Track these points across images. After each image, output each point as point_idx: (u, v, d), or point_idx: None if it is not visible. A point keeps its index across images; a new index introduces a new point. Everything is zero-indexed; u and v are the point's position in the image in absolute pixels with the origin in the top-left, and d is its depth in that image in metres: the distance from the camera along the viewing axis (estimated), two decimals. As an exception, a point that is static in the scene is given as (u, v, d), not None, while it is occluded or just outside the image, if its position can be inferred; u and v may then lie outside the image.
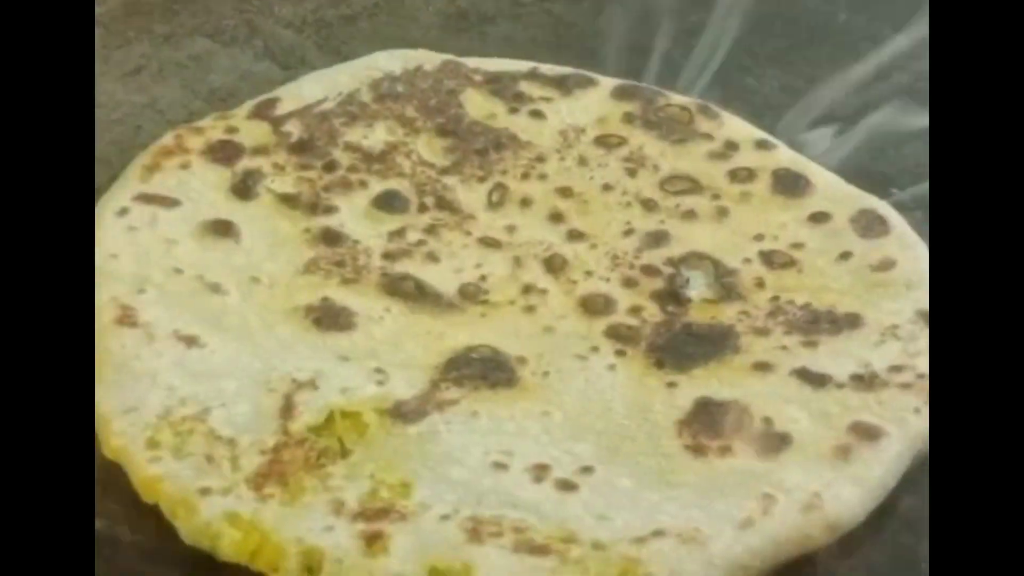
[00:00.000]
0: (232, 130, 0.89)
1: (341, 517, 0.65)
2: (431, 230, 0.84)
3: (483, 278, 0.81)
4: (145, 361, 0.72)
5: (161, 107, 0.94)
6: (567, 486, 0.67)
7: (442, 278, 0.81)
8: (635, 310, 0.79)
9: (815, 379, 0.73)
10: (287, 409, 0.70)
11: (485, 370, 0.74)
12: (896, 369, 0.74)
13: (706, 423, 0.71)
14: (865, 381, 0.73)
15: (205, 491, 0.66)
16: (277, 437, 0.69)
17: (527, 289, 0.80)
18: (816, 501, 0.67)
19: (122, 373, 0.71)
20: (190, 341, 0.74)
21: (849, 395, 0.73)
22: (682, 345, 0.77)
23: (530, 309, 0.79)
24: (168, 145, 0.87)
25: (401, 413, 0.71)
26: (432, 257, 0.82)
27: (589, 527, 0.65)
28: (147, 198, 0.83)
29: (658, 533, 0.64)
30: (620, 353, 0.76)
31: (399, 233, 0.83)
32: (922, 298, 0.79)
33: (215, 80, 0.97)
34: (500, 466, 0.68)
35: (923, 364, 0.74)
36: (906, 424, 0.71)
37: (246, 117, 0.90)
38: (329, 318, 0.77)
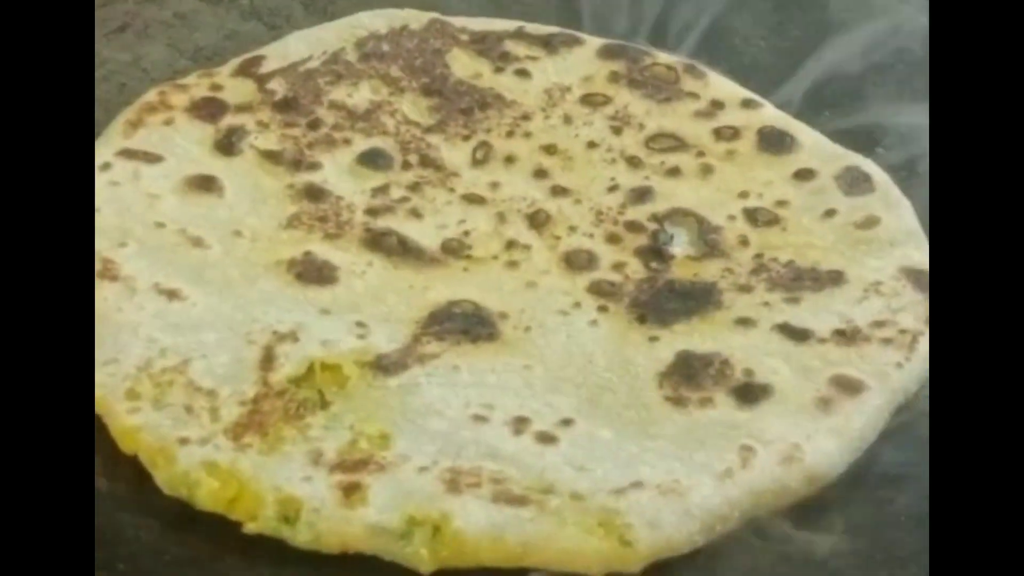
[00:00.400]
0: (216, 87, 0.89)
1: (319, 467, 0.65)
2: (415, 187, 0.84)
3: (466, 234, 0.81)
4: (126, 313, 0.72)
5: (145, 65, 0.93)
6: (547, 438, 0.67)
7: (425, 233, 0.81)
8: (618, 266, 0.79)
9: (797, 334, 0.74)
10: (267, 360, 0.70)
11: (467, 325, 0.74)
12: (878, 324, 0.74)
13: (687, 375, 0.71)
14: (847, 336, 0.73)
15: (184, 441, 0.66)
16: (257, 388, 0.69)
17: (510, 245, 0.80)
18: (796, 453, 0.67)
19: (103, 325, 0.71)
20: (171, 294, 0.74)
21: (831, 349, 0.73)
22: (664, 301, 0.77)
23: (513, 264, 0.79)
24: (151, 102, 0.87)
25: (382, 366, 0.71)
26: (415, 213, 0.82)
27: (568, 478, 0.65)
28: (129, 153, 0.82)
29: (637, 484, 0.64)
30: (602, 309, 0.76)
31: (382, 190, 0.83)
32: (905, 255, 0.79)
33: (200, 39, 0.96)
34: (480, 418, 0.68)
35: (905, 320, 0.75)
36: (887, 378, 0.71)
37: (231, 75, 0.90)
38: (311, 272, 0.77)
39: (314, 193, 0.82)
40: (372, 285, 0.77)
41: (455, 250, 0.80)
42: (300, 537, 0.63)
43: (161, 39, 0.95)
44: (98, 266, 0.74)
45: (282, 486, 0.64)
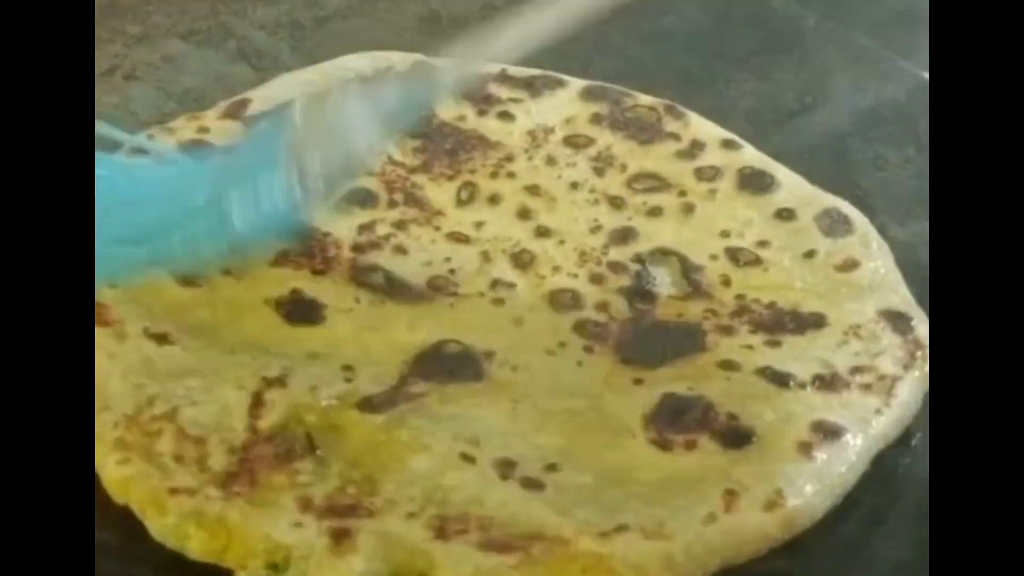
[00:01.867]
0: (203, 130, 0.89)
1: (308, 514, 0.65)
2: (400, 225, 0.84)
3: (452, 271, 0.82)
4: (116, 360, 0.72)
5: (134, 108, 0.93)
6: (533, 484, 0.68)
7: (411, 270, 0.81)
8: (602, 306, 0.80)
9: (779, 378, 0.74)
10: (255, 407, 0.71)
11: (453, 365, 0.75)
12: (858, 370, 0.75)
13: (671, 418, 0.72)
14: (827, 381, 0.74)
15: (173, 491, 0.66)
16: (246, 435, 0.69)
17: (495, 283, 0.81)
18: (778, 499, 0.67)
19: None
20: (160, 339, 0.74)
21: (812, 395, 0.73)
22: (650, 343, 0.77)
23: (499, 301, 0.80)
24: None
25: (369, 406, 0.71)
26: (401, 250, 0.83)
27: (553, 523, 0.65)
28: None
29: (622, 528, 0.65)
30: (588, 349, 0.77)
31: (368, 227, 0.84)
32: (883, 298, 0.80)
33: (188, 81, 0.97)
34: (467, 458, 0.68)
35: (884, 364, 0.75)
36: (867, 424, 0.72)
37: (217, 118, 0.91)
38: (299, 311, 0.77)
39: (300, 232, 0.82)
40: (359, 322, 0.77)
41: (441, 287, 0.80)
42: None
43: (149, 82, 0.96)
44: None
45: (271, 534, 0.64)
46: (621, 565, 0.63)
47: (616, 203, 0.87)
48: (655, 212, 0.87)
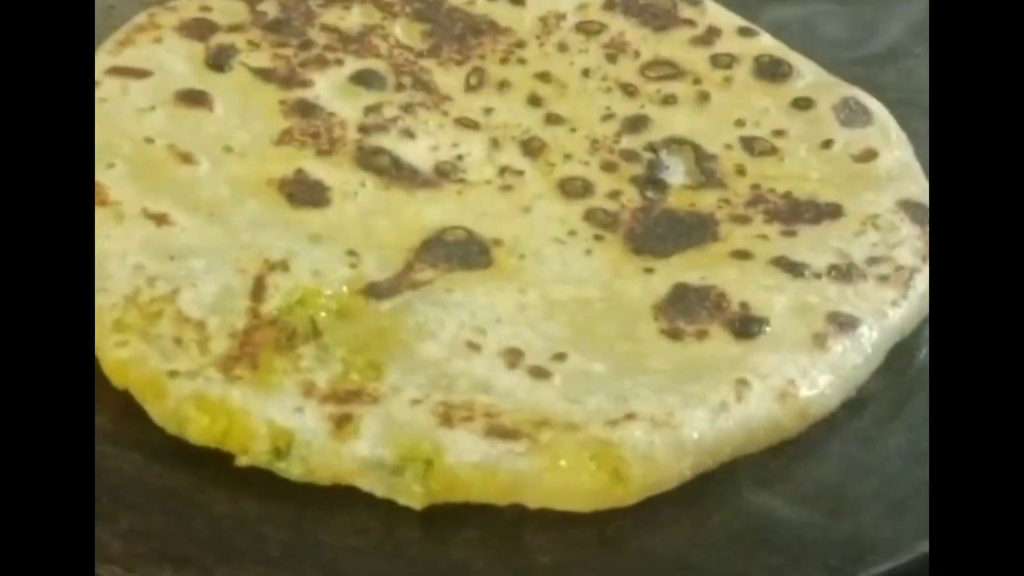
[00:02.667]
0: (206, 8, 0.87)
1: (311, 398, 0.64)
2: (408, 108, 0.82)
3: (460, 157, 0.80)
4: (114, 240, 0.71)
5: (136, -14, 0.91)
6: (540, 373, 0.67)
7: (418, 154, 0.80)
8: (614, 194, 0.78)
9: (793, 268, 0.73)
10: (258, 291, 0.69)
11: (460, 252, 0.73)
12: (874, 261, 0.74)
13: (682, 308, 0.71)
14: (843, 272, 0.73)
15: (173, 374, 0.65)
16: (247, 319, 0.68)
17: (504, 170, 0.79)
18: (790, 389, 0.67)
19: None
20: (160, 219, 0.72)
21: (827, 285, 0.72)
22: (661, 231, 0.76)
23: (507, 188, 0.78)
24: (141, 23, 0.85)
25: (374, 292, 0.70)
26: (408, 133, 0.81)
27: (562, 411, 0.64)
28: (118, 71, 0.81)
29: (631, 416, 0.64)
30: (598, 238, 0.75)
31: (375, 108, 0.82)
32: (902, 188, 0.78)
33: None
34: (473, 347, 0.67)
35: (902, 255, 0.74)
36: (883, 316, 0.71)
37: None
38: (303, 193, 0.76)
39: (306, 109, 0.81)
40: (364, 207, 0.76)
41: (448, 172, 0.79)
42: (292, 470, 0.63)
43: (150, -40, 0.93)
44: None
45: (274, 419, 0.63)
46: (630, 453, 0.63)
47: (629, 91, 0.85)
48: (669, 100, 0.85)
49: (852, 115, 0.83)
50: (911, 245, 0.75)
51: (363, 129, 0.80)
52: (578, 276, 0.73)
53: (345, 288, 0.70)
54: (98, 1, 0.86)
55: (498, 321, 0.69)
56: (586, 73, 0.87)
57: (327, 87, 0.83)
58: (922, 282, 0.73)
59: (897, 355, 0.71)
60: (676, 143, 0.82)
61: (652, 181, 0.79)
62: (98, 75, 0.81)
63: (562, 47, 0.88)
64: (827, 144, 0.81)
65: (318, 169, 0.77)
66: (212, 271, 0.70)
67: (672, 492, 0.64)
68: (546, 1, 0.92)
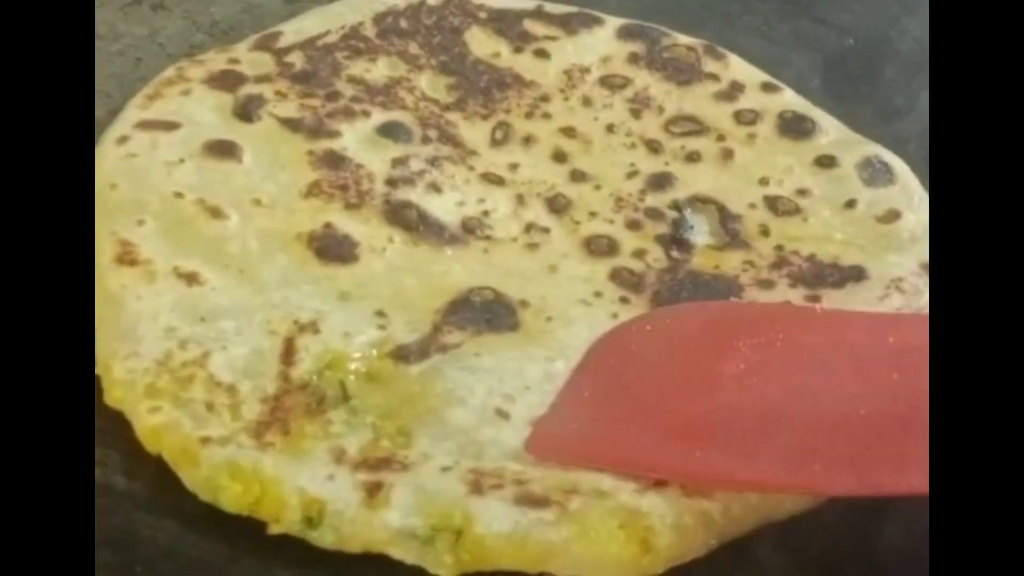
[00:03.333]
0: (234, 61, 0.88)
1: (342, 465, 0.65)
2: (434, 162, 0.83)
3: (486, 213, 0.81)
4: (145, 301, 0.71)
5: (161, 40, 0.92)
6: None
7: (445, 209, 0.80)
8: (639, 253, 0.79)
9: None
10: (288, 354, 0.70)
11: (488, 314, 0.74)
12: None
13: None
14: None
15: (206, 441, 0.65)
16: (278, 383, 0.68)
17: (529, 227, 0.80)
18: None
19: (122, 314, 0.70)
20: (191, 279, 0.73)
21: None
22: (686, 296, 0.76)
23: (533, 247, 0.79)
24: (169, 77, 0.86)
25: (403, 355, 0.70)
26: (435, 187, 0.81)
27: (591, 477, 0.64)
28: (147, 124, 0.82)
29: (660, 484, 0.64)
30: (624, 300, 0.76)
31: (402, 161, 0.82)
32: (925, 251, 0.79)
33: (217, 12, 0.95)
34: (502, 414, 0.68)
35: (926, 320, 0.74)
36: None
37: (248, 49, 0.89)
38: (331, 248, 0.76)
39: (334, 161, 0.81)
40: (392, 264, 0.76)
41: (474, 229, 0.79)
42: (324, 540, 0.63)
43: (177, 12, 0.94)
44: (116, 249, 0.73)
45: (305, 487, 0.64)
46: (659, 523, 0.63)
47: (653, 147, 0.86)
48: (693, 157, 0.85)
49: (875, 174, 0.84)
50: None
51: (391, 182, 0.81)
52: None
53: (375, 351, 0.70)
54: (126, 54, 0.88)
55: (527, 388, 0.70)
56: (610, 128, 0.87)
57: (354, 138, 0.83)
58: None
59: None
60: (700, 202, 0.82)
61: (677, 240, 0.80)
62: (128, 129, 0.81)
63: (587, 101, 0.89)
64: (850, 204, 0.82)
65: (346, 223, 0.77)
66: (243, 333, 0.70)
67: (699, 561, 0.64)
68: (571, 54, 0.92)
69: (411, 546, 0.63)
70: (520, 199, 0.82)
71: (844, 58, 0.98)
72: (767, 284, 0.77)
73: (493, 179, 0.83)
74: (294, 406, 0.67)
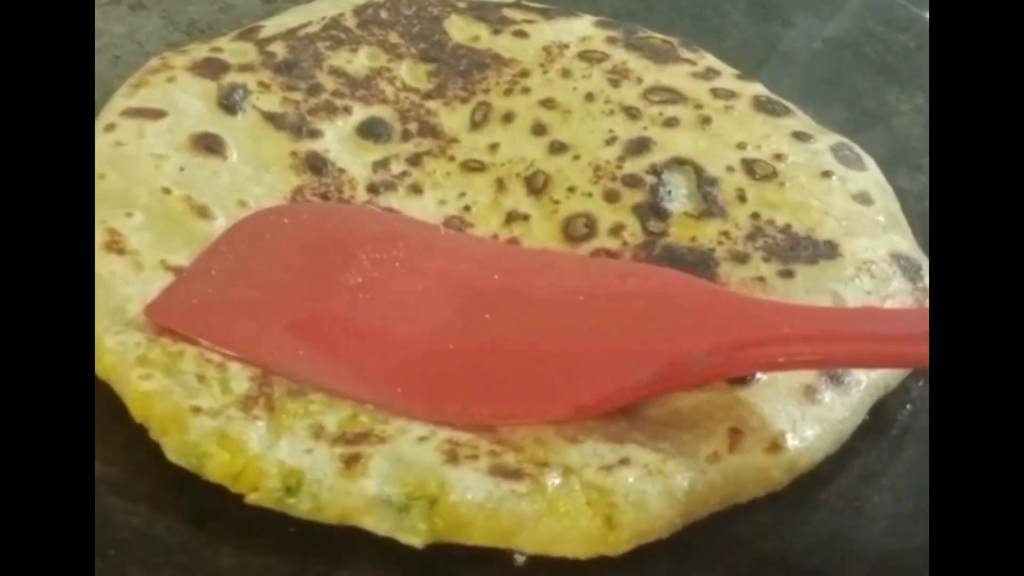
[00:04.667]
0: (217, 50, 0.89)
1: (321, 440, 0.66)
2: (415, 160, 0.84)
3: (466, 208, 0.82)
4: (134, 287, 0.73)
5: (140, 38, 0.92)
6: None
7: (427, 212, 0.81)
8: (616, 230, 0.79)
9: None
10: None
11: None
12: None
13: None
14: None
15: (196, 410, 0.67)
16: None
17: (510, 218, 0.81)
18: (780, 440, 0.68)
19: (111, 297, 0.72)
20: (178, 272, 0.74)
21: None
22: None
23: (514, 241, 0.80)
24: (154, 66, 0.87)
25: None
26: (416, 189, 0.83)
27: (559, 449, 0.66)
28: (133, 112, 0.83)
29: (625, 462, 0.66)
30: None
31: (383, 164, 0.84)
32: (895, 241, 0.80)
33: (195, 11, 0.96)
34: None
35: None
36: (871, 370, 0.72)
37: (230, 40, 0.91)
38: None
39: (316, 165, 0.82)
40: None
41: (456, 229, 0.80)
42: (301, 506, 0.64)
43: (155, 11, 0.95)
44: (105, 237, 0.75)
45: (285, 460, 0.65)
46: (623, 501, 0.64)
47: (632, 113, 0.87)
48: (671, 123, 0.86)
49: (849, 157, 0.85)
50: (901, 300, 0.76)
51: (372, 188, 0.82)
52: None
53: None
54: (104, 52, 0.89)
55: None
56: (589, 97, 0.88)
57: (336, 139, 0.85)
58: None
59: (880, 412, 0.73)
60: (678, 163, 0.83)
61: (654, 209, 0.80)
62: (114, 117, 0.83)
63: (565, 73, 0.90)
64: (826, 175, 0.83)
65: None
66: None
67: (663, 543, 0.65)
68: (549, 32, 0.93)
69: (386, 514, 0.64)
70: (500, 184, 0.83)
71: (813, 62, 0.98)
72: (742, 257, 0.77)
73: (473, 166, 0.84)
74: (278, 384, 0.69)
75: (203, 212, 0.78)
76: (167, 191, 0.78)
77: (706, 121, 0.86)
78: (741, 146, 0.84)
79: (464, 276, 0.75)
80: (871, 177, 0.84)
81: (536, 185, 0.82)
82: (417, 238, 0.78)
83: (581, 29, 0.94)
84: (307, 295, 0.73)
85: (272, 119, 0.85)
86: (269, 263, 0.75)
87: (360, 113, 0.86)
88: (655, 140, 0.85)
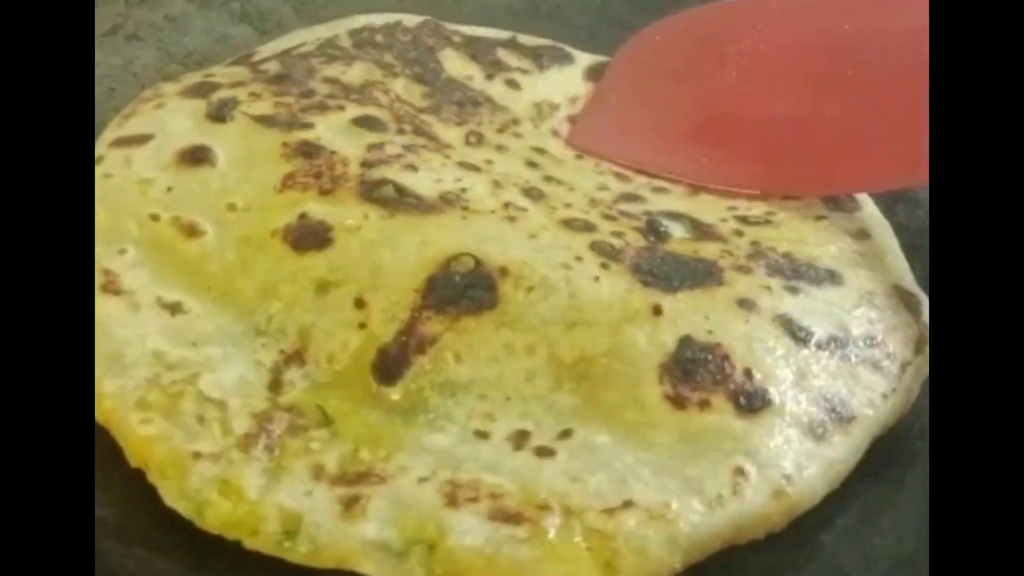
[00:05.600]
0: (209, 75, 0.89)
1: (321, 481, 0.65)
2: (410, 148, 0.83)
3: (464, 190, 0.80)
4: (131, 329, 0.72)
5: (135, 69, 0.93)
6: (546, 452, 0.67)
7: (422, 184, 0.79)
8: (618, 233, 0.78)
9: (797, 332, 0.73)
10: (275, 385, 0.71)
11: (466, 288, 0.72)
12: (870, 342, 0.74)
13: (688, 370, 0.70)
14: (842, 344, 0.73)
15: (197, 455, 0.66)
16: (267, 404, 0.69)
17: (507, 205, 0.80)
18: (785, 485, 0.67)
19: (109, 341, 0.71)
20: (174, 308, 0.73)
21: (828, 360, 0.73)
22: (667, 269, 0.76)
23: (511, 219, 0.78)
24: (145, 96, 0.87)
25: (383, 368, 0.70)
26: (411, 167, 0.81)
27: (561, 490, 0.65)
28: (121, 142, 0.83)
29: (628, 504, 0.65)
30: (604, 266, 0.75)
31: (377, 146, 0.82)
32: (896, 275, 0.80)
33: (191, 43, 0.96)
34: (481, 435, 0.68)
35: (894, 343, 0.75)
36: (874, 408, 0.72)
37: (225, 67, 0.91)
38: (306, 238, 0.75)
39: (308, 151, 0.81)
40: (367, 240, 0.75)
41: (453, 200, 0.78)
42: (300, 550, 0.64)
43: (151, 43, 0.95)
44: (100, 279, 0.74)
45: (284, 503, 0.64)
46: (624, 547, 0.64)
47: (622, 177, 0.87)
48: (661, 190, 0.86)
49: (842, 202, 0.85)
50: (903, 333, 0.75)
51: (366, 164, 0.80)
52: (588, 312, 0.72)
53: (351, 364, 0.71)
54: (101, 83, 0.89)
55: (507, 400, 0.70)
56: (580, 156, 0.88)
57: (328, 129, 0.83)
58: (910, 376, 0.74)
59: (879, 451, 0.72)
60: (673, 214, 0.82)
61: (654, 232, 0.80)
62: (103, 149, 0.82)
63: (556, 133, 0.90)
64: (820, 219, 0.83)
65: (320, 209, 0.77)
66: (230, 360, 0.71)
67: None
68: (541, 89, 0.93)
69: (384, 559, 0.64)
70: (497, 184, 0.82)
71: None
72: (745, 270, 0.77)
73: (469, 167, 0.83)
74: (280, 421, 0.68)
75: (192, 230, 0.77)
76: (155, 217, 0.77)
77: (696, 192, 0.86)
78: (732, 208, 0.84)
79: (821, 37, 0.79)
80: (867, 215, 0.84)
81: (533, 195, 0.82)
82: (768, 12, 0.83)
83: (572, 85, 0.94)
84: (695, 103, 0.82)
85: (262, 120, 0.83)
86: (654, 81, 0.85)
87: (354, 111, 0.85)
88: (647, 198, 0.84)
